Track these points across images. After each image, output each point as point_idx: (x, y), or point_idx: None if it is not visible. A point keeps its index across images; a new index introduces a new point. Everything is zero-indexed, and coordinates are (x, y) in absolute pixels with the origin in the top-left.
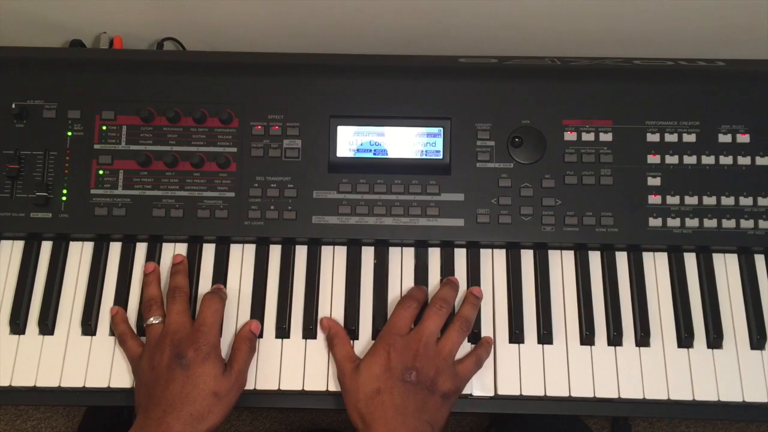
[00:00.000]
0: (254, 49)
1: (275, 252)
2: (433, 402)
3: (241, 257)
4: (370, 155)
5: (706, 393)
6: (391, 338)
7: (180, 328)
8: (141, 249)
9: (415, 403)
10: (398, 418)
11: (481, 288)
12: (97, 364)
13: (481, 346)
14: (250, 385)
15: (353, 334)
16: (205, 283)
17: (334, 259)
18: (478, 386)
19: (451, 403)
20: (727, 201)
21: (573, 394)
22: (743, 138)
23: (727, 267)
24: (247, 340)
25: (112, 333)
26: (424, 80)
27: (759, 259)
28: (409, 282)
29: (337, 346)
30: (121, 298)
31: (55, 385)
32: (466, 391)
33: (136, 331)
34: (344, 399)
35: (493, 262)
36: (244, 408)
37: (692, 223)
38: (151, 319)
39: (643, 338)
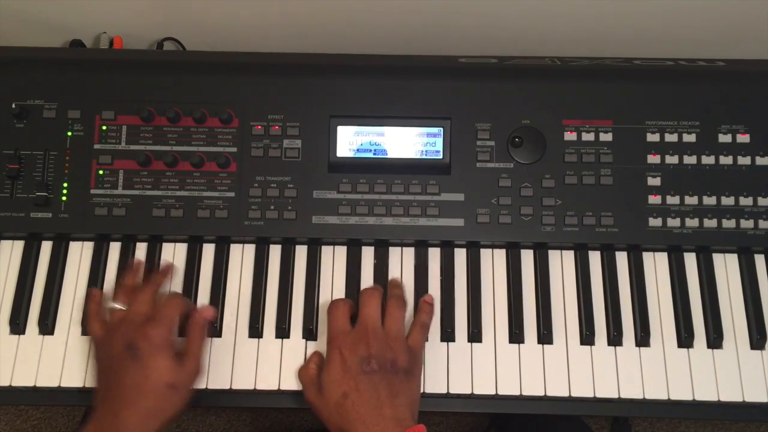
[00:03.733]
0: (254, 49)
1: (275, 252)
2: (399, 382)
3: (241, 257)
4: (370, 155)
5: (706, 393)
6: (337, 339)
7: (138, 317)
8: (141, 249)
9: (384, 391)
10: (373, 412)
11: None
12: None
13: (421, 310)
14: (249, 385)
15: None
16: (204, 283)
17: (334, 259)
18: (479, 386)
19: (416, 378)
20: (727, 201)
21: (573, 394)
22: (743, 138)
23: (727, 267)
24: (200, 327)
25: None
26: (424, 80)
27: (759, 259)
28: (409, 282)
29: (301, 370)
30: None
31: (55, 385)
32: (466, 390)
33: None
34: (320, 419)
35: (493, 262)
36: (245, 408)
37: (692, 223)
38: (113, 303)
39: (643, 338)
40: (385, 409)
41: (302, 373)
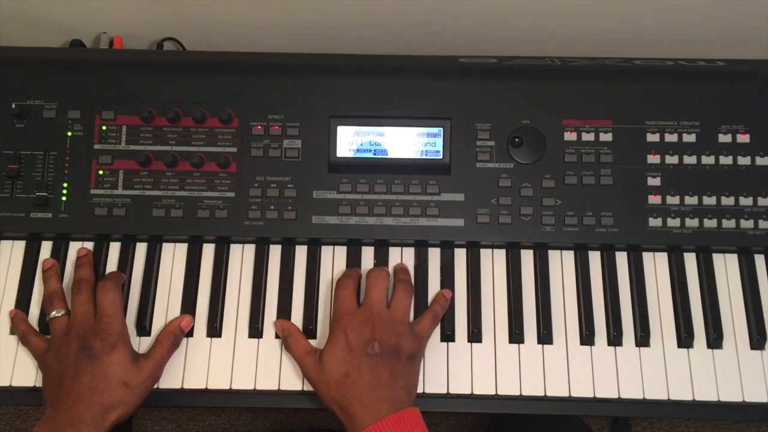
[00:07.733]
0: (254, 49)
1: (275, 252)
2: (401, 366)
3: (241, 257)
4: (370, 155)
5: (706, 393)
6: (343, 319)
7: (85, 319)
8: (141, 249)
9: (385, 374)
10: (372, 393)
11: (406, 264)
12: None
13: (437, 301)
14: (249, 385)
15: None
16: (204, 283)
17: (334, 259)
18: (479, 386)
19: (417, 363)
20: (727, 201)
21: (573, 394)
22: (743, 138)
23: (727, 267)
24: (172, 335)
25: None
26: (424, 80)
27: (759, 259)
28: None
29: (292, 345)
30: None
31: None
32: (466, 390)
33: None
34: (317, 392)
35: (493, 262)
36: (244, 408)
37: (692, 223)
38: (54, 312)
39: (643, 338)
40: (384, 391)
41: (297, 345)
